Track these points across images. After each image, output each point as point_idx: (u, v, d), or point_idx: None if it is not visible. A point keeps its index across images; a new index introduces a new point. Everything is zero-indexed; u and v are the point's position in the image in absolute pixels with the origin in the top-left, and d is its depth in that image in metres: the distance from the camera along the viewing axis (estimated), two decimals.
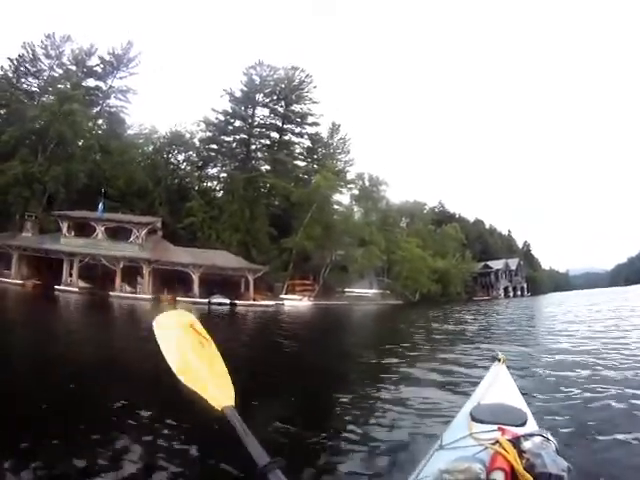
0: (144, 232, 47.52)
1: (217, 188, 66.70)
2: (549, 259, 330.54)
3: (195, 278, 46.62)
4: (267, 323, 31.09)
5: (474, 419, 2.85)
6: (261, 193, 63.17)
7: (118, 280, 44.88)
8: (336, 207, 64.43)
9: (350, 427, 6.41)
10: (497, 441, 2.27)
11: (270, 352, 15.31)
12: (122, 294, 43.53)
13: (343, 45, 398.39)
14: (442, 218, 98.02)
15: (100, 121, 64.88)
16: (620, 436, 5.54)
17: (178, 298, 43.63)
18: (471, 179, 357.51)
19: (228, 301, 44.82)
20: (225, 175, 66.49)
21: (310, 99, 69.65)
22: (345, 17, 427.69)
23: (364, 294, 63.52)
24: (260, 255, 54.75)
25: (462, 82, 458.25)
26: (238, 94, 66.66)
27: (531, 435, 2.26)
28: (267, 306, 45.55)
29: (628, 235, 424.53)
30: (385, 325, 33.25)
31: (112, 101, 65.54)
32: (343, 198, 69.71)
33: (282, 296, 52.70)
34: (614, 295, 61.01)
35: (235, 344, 15.93)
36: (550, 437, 2.24)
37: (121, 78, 65.02)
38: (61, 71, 61.19)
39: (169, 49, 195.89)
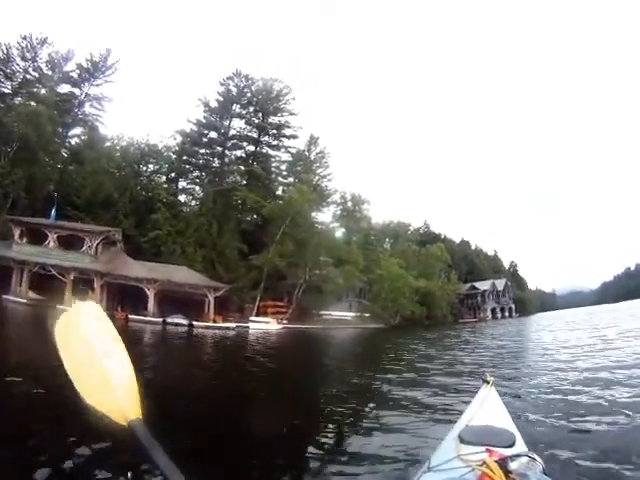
0: (97, 242, 42.48)
1: (188, 202, 61.87)
2: (535, 279, 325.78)
3: (150, 294, 41.30)
4: (216, 347, 26.65)
5: (462, 441, 2.79)
6: (232, 207, 57.80)
7: (68, 293, 39.19)
8: (315, 224, 59.14)
9: (333, 454, 6.12)
10: (484, 462, 2.24)
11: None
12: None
13: (328, 58, 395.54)
14: (427, 239, 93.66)
15: (78, 130, 60.40)
16: (609, 459, 5.29)
17: (130, 316, 38.19)
18: (457, 200, 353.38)
19: (186, 322, 39.40)
20: (196, 188, 62.14)
21: (288, 111, 65.22)
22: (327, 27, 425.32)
23: (342, 317, 57.86)
24: (227, 273, 49.07)
25: (450, 93, 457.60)
26: (214, 104, 62.29)
27: (518, 456, 2.22)
28: (227, 328, 39.67)
29: (612, 254, 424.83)
30: (350, 355, 26.79)
31: (87, 109, 61.34)
32: (324, 217, 65.89)
33: (252, 318, 46.92)
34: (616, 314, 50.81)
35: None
36: (537, 458, 2.21)
37: (97, 85, 60.87)
38: (36, 75, 56.01)
39: (150, 55, 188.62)
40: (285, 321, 49.33)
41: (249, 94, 63.19)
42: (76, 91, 59.83)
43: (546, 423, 6.96)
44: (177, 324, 38.42)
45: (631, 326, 29.30)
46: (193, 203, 61.04)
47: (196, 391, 11.07)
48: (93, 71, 59.43)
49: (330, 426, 7.89)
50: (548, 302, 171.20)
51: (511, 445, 2.66)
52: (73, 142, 58.99)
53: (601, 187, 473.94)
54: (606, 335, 24.71)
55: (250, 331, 40.37)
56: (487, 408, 3.59)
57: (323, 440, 6.93)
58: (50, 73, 57.14)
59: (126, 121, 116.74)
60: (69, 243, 42.08)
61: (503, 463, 2.13)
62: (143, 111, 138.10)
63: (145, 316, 39.53)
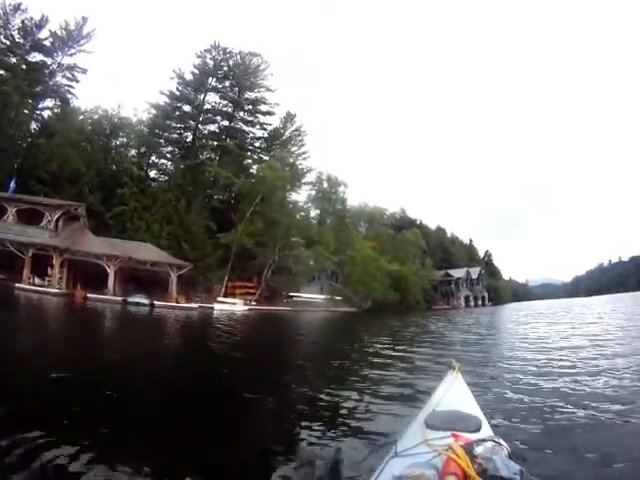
0: (57, 216, 39.70)
1: (158, 177, 58.71)
2: (509, 269, 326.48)
3: (110, 272, 38.90)
4: (171, 330, 24.27)
5: (428, 426, 2.84)
6: (202, 183, 54.57)
7: (26, 270, 36.86)
8: (289, 203, 57.14)
9: (296, 442, 5.76)
10: (450, 447, 2.30)
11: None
12: (29, 286, 35.55)
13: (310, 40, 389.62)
14: (403, 224, 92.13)
15: (50, 103, 56.67)
16: (575, 445, 5.29)
17: (89, 295, 35.94)
18: (435, 187, 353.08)
19: (147, 301, 37.08)
20: (168, 163, 59.15)
21: (265, 86, 62.47)
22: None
23: (313, 299, 55.87)
24: (193, 251, 46.48)
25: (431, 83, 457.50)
26: (189, 77, 59.31)
27: (483, 441, 2.29)
28: (190, 309, 37.61)
29: (585, 249, 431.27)
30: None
31: (59, 79, 57.23)
32: (299, 197, 64.10)
33: (219, 299, 45.04)
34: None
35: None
36: (503, 442, 2.30)
37: (71, 55, 56.70)
38: (8, 42, 52.05)
39: (130, 24, 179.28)
40: (253, 302, 47.38)
41: (226, 68, 60.37)
42: (48, 60, 55.65)
43: (512, 409, 6.91)
44: (138, 304, 36.15)
45: (606, 321, 28.23)
46: (163, 179, 57.93)
47: (126, 378, 9.20)
48: (67, 40, 55.45)
49: (289, 414, 7.36)
50: (521, 292, 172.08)
51: (477, 430, 2.70)
52: (45, 115, 55.25)
53: (579, 186, 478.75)
54: (579, 328, 24.02)
55: (215, 312, 38.15)
56: (453, 394, 3.58)
57: (282, 428, 6.58)
58: (22, 41, 53.46)
59: (100, 93, 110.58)
60: (30, 217, 39.17)
61: (469, 448, 2.19)
62: (118, 83, 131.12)
63: (105, 295, 37.24)
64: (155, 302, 37.20)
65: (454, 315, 51.15)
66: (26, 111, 50.44)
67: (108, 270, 38.64)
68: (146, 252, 40.57)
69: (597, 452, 5.01)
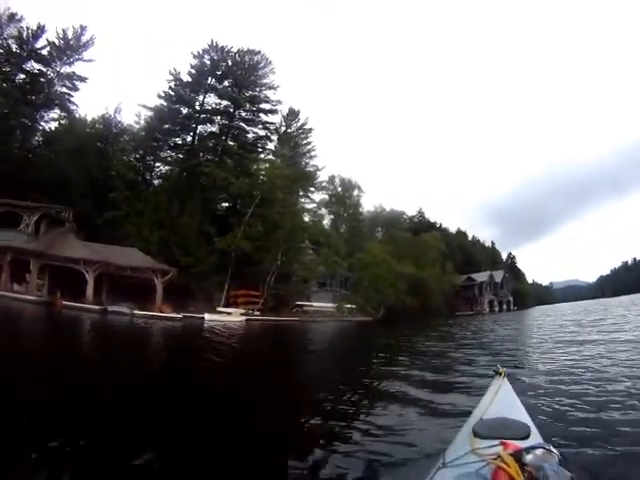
0: (35, 219, 36.27)
1: (156, 182, 53.91)
2: (532, 272, 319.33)
3: (90, 278, 34.43)
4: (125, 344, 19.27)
5: (476, 435, 2.70)
6: (198, 185, 49.60)
7: (5, 275, 33.10)
8: (294, 205, 52.08)
9: (344, 448, 5.36)
10: (499, 456, 2.19)
11: None
12: (8, 293, 31.66)
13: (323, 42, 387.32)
14: (421, 227, 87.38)
15: (55, 114, 52.74)
16: (630, 449, 4.73)
17: (67, 303, 31.36)
18: (453, 190, 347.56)
19: (127, 310, 32.42)
20: (167, 167, 54.66)
21: (266, 84, 57.83)
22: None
23: (324, 308, 50.53)
24: (186, 257, 41.68)
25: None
26: (186, 78, 54.98)
27: (533, 448, 2.16)
28: (173, 319, 32.75)
29: (610, 248, 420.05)
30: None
31: (57, 88, 53.36)
32: (312, 201, 59.76)
33: (219, 308, 40.18)
34: None
35: None
36: (553, 449, 2.16)
37: (69, 64, 52.78)
38: (3, 52, 49.05)
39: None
40: (257, 312, 42.25)
41: (224, 67, 56.02)
42: (46, 70, 51.81)
43: (563, 414, 6.23)
44: (118, 313, 31.67)
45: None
46: (157, 182, 53.58)
47: None
48: (65, 49, 51.81)
49: (326, 427, 6.35)
50: (545, 295, 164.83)
51: (526, 437, 2.53)
52: (53, 126, 52.00)
53: (600, 184, 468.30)
54: (621, 330, 20.17)
55: (206, 323, 32.83)
56: (500, 400, 3.46)
57: (324, 442, 5.60)
58: (18, 51, 49.99)
59: (103, 100, 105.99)
60: (12, 222, 35.40)
61: (518, 456, 2.05)
62: (120, 89, 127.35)
63: (84, 303, 32.72)
64: (137, 311, 32.59)
65: (476, 323, 43.91)
66: (26, 121, 47.75)
67: (87, 276, 34.28)
68: (127, 257, 36.17)
69: None
